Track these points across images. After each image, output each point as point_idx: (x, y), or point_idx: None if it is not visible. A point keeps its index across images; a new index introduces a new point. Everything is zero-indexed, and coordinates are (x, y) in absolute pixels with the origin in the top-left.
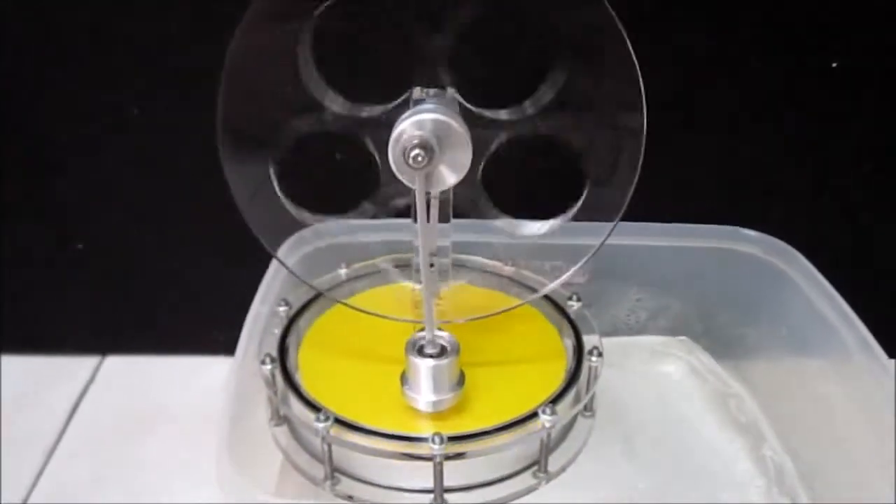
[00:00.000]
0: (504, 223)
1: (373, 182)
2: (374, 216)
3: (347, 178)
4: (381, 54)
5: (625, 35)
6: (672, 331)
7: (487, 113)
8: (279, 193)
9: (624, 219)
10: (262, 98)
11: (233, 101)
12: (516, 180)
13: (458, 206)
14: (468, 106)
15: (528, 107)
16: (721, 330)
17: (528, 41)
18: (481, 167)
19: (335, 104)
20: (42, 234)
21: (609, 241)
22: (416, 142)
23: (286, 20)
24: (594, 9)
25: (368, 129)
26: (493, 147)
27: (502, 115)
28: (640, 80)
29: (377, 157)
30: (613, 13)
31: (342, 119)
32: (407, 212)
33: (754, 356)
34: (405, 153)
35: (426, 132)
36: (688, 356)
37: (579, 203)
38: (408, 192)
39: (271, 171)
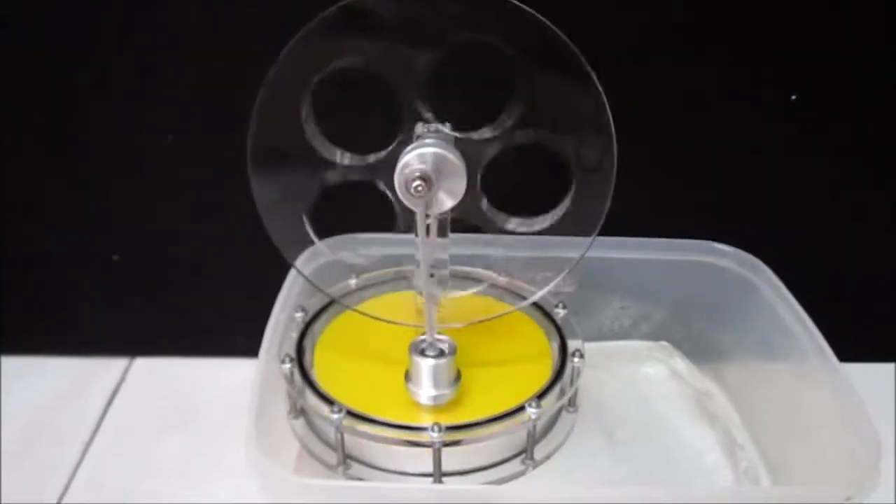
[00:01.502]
0: (507, 223)
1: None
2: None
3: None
4: (379, 106)
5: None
6: (653, 336)
7: (474, 135)
8: (314, 237)
9: (609, 234)
10: (287, 126)
11: (262, 128)
12: (512, 187)
13: (465, 213)
14: (458, 135)
15: (506, 119)
16: (698, 336)
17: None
18: (479, 177)
19: (345, 159)
20: (80, 246)
21: (596, 255)
22: (417, 174)
23: (301, 74)
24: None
25: (378, 172)
26: (484, 162)
27: (486, 133)
28: (606, 104)
29: (388, 192)
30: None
31: (353, 170)
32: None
33: (727, 359)
34: (407, 184)
35: (426, 165)
36: (667, 359)
37: (570, 195)
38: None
39: (304, 217)
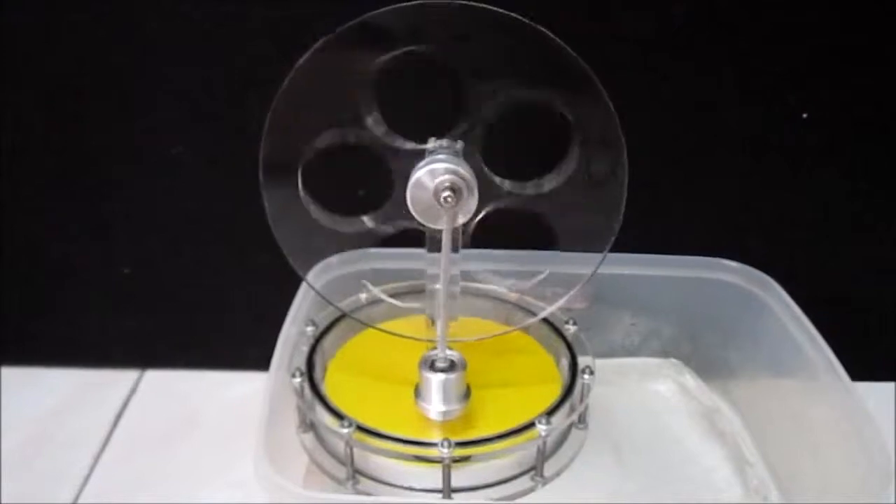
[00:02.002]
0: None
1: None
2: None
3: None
4: (422, 102)
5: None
6: (663, 353)
7: (495, 178)
8: (304, 196)
9: (618, 251)
10: (301, 137)
11: (274, 140)
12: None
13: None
14: (482, 165)
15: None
16: (707, 352)
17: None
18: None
19: (376, 125)
20: (92, 258)
21: (606, 271)
22: (447, 184)
23: (344, 64)
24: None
25: (395, 159)
26: (492, 207)
27: (506, 185)
28: (619, 124)
29: (395, 184)
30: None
31: (376, 141)
32: (406, 240)
33: (737, 376)
34: (437, 194)
35: (453, 176)
36: (677, 376)
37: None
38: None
39: (300, 183)
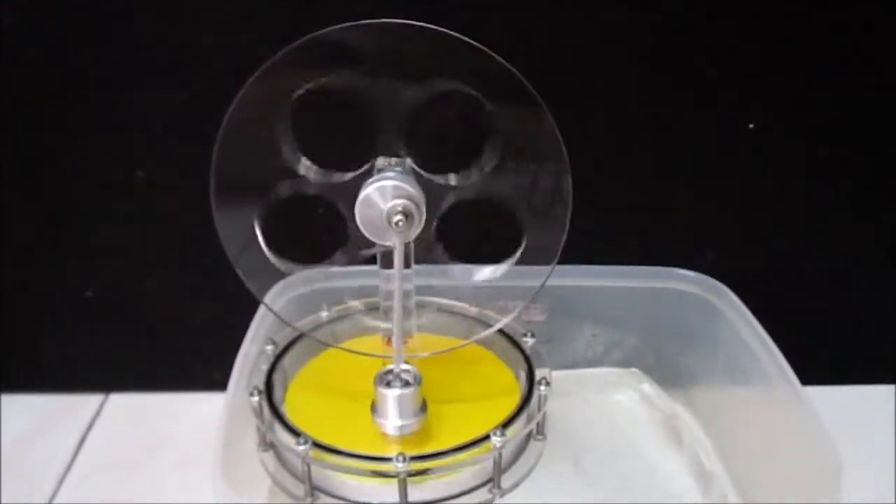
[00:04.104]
0: (459, 270)
1: (343, 236)
2: (347, 264)
3: (324, 232)
4: (349, 128)
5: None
6: (625, 363)
7: (439, 179)
8: (264, 248)
9: (576, 263)
10: (250, 160)
11: (224, 164)
12: (468, 232)
13: (418, 256)
14: (422, 173)
15: (473, 171)
16: (667, 361)
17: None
18: (435, 224)
19: (310, 172)
20: (53, 282)
21: (565, 283)
22: (399, 208)
23: (271, 98)
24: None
25: (338, 193)
26: (444, 207)
27: (451, 179)
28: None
29: (346, 216)
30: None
31: (315, 185)
32: (371, 261)
33: (696, 384)
34: (388, 219)
35: (404, 201)
36: (638, 385)
37: (521, 248)
38: (371, 244)
39: (257, 227)
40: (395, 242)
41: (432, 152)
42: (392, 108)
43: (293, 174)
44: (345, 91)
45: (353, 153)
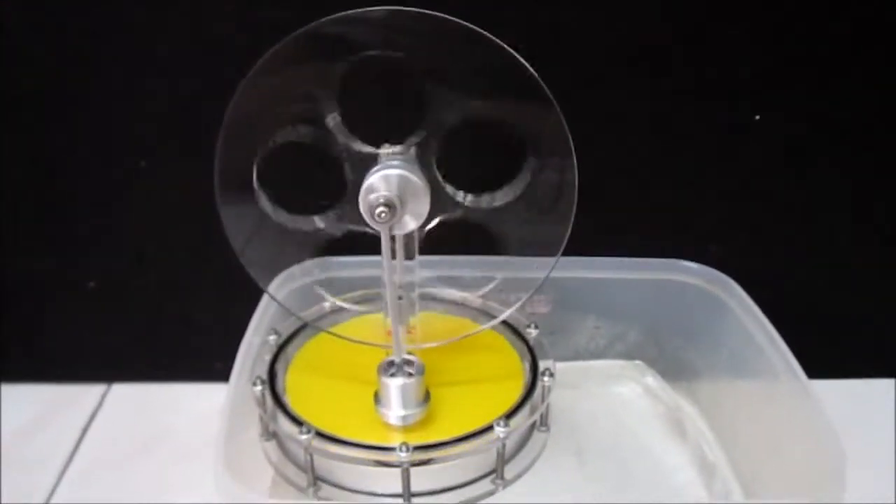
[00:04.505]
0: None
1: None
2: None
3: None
4: (354, 119)
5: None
6: (628, 355)
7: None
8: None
9: (580, 255)
10: (255, 150)
11: (229, 155)
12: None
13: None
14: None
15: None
16: (671, 354)
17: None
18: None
19: (336, 127)
20: (56, 272)
21: (568, 275)
22: (381, 200)
23: (274, 88)
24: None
25: (351, 162)
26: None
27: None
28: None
29: (349, 187)
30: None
31: (334, 141)
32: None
33: (700, 377)
34: (371, 210)
35: (391, 191)
36: (641, 378)
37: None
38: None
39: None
40: (380, 232)
41: (455, 162)
42: (397, 98)
43: (318, 120)
44: (349, 80)
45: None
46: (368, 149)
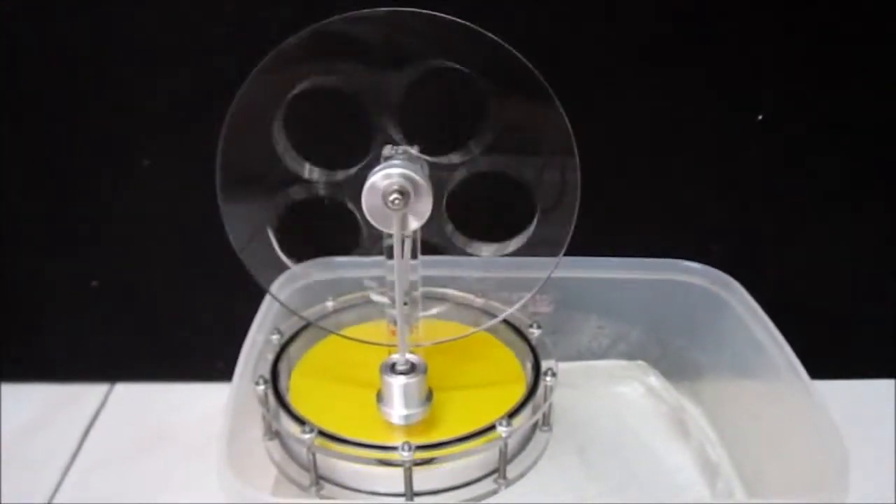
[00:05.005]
0: (471, 247)
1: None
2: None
3: (333, 226)
4: (355, 119)
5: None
6: (630, 355)
7: (443, 160)
8: (275, 247)
9: (582, 255)
10: (256, 150)
11: (230, 155)
12: (477, 212)
13: (430, 238)
14: (426, 158)
15: (473, 147)
16: (673, 353)
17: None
18: (444, 202)
19: (314, 174)
20: (58, 271)
21: (571, 275)
22: (395, 187)
23: (275, 88)
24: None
25: (346, 190)
26: (451, 186)
27: (454, 158)
28: (569, 126)
29: (355, 211)
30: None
31: (322, 185)
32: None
33: (703, 377)
34: (384, 197)
35: (402, 180)
36: (644, 378)
37: (532, 226)
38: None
39: (268, 228)
40: (393, 222)
41: (439, 138)
42: (400, 97)
43: (297, 179)
44: (351, 80)
45: (358, 144)
46: (354, 169)
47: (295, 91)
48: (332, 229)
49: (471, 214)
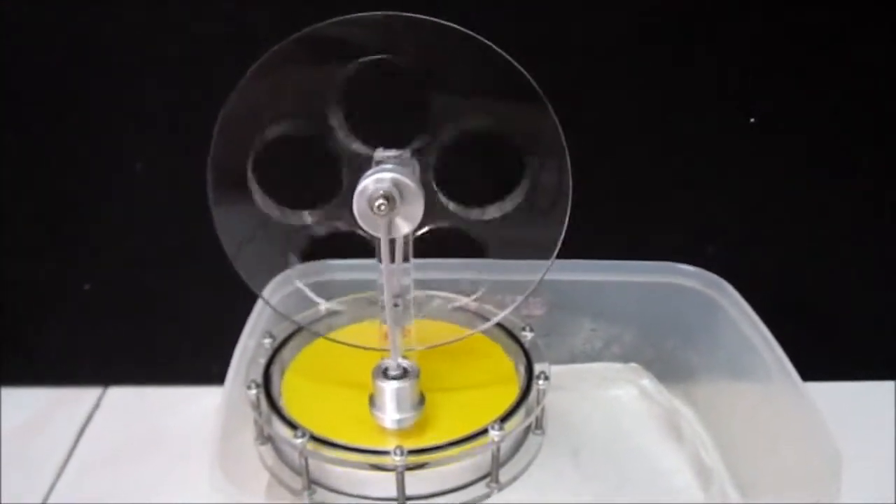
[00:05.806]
0: (472, 214)
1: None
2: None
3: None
4: (350, 122)
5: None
6: (624, 358)
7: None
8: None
9: (575, 258)
10: (248, 154)
11: (222, 158)
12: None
13: (430, 221)
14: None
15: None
16: (668, 356)
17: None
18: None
19: (338, 125)
20: (51, 275)
21: (564, 277)
22: (381, 192)
23: (268, 91)
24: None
25: (349, 163)
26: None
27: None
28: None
29: (344, 186)
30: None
31: (335, 140)
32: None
33: (696, 379)
34: (370, 203)
35: (388, 186)
36: (637, 380)
37: (526, 178)
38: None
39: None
40: (379, 227)
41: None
42: (391, 101)
43: (323, 119)
44: (346, 83)
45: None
46: (364, 151)
47: (287, 95)
48: (338, 238)
49: (463, 183)
